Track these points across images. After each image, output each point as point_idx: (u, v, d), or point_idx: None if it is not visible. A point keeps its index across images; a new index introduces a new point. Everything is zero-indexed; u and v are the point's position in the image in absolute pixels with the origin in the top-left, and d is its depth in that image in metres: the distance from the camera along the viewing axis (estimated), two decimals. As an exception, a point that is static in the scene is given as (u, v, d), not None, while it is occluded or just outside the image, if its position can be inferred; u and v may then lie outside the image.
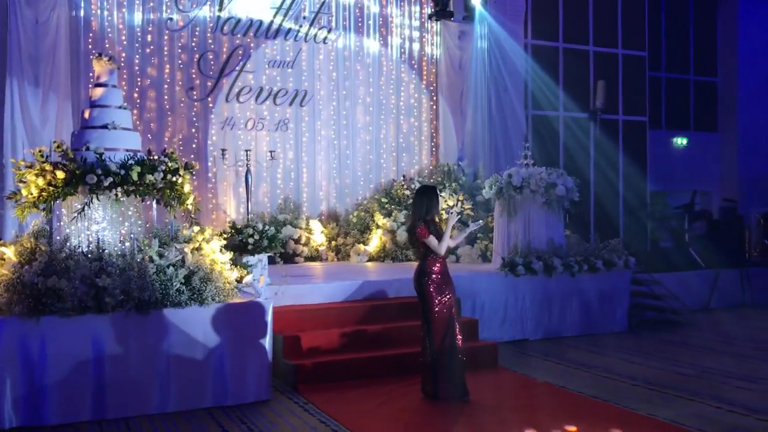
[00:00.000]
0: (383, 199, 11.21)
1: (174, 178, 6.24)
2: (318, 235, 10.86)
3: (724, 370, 7.35)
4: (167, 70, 10.54)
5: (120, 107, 6.49)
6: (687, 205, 13.05)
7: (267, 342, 6.25)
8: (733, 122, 16.32)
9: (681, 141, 16.16)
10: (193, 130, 10.69)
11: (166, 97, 10.52)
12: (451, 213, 6.19)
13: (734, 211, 14.02)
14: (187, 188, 6.44)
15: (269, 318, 6.28)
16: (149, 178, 6.07)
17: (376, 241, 10.78)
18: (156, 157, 6.27)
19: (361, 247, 10.77)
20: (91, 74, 9.56)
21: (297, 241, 10.63)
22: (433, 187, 6.40)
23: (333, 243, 11.06)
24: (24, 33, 9.08)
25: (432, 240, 6.02)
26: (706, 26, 16.46)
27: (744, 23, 16.21)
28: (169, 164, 6.26)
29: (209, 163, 10.70)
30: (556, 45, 13.35)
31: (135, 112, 9.78)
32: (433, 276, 6.07)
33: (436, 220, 6.18)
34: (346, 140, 11.67)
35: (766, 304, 11.60)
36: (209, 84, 10.80)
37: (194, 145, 10.60)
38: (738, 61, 16.24)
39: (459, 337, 6.11)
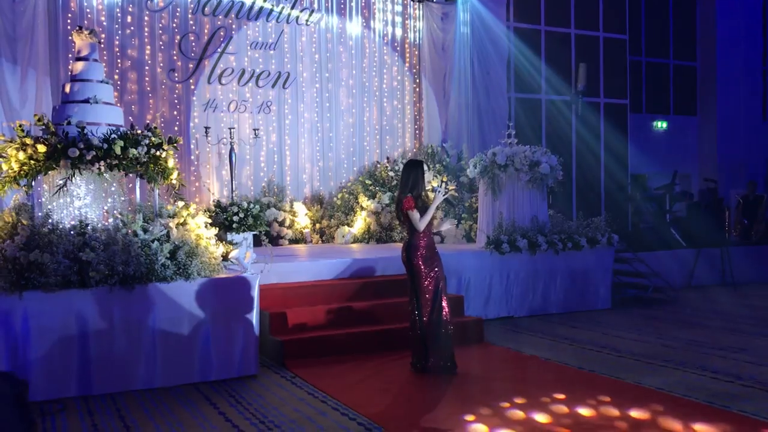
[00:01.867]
0: (367, 181, 11.18)
1: (158, 153, 6.17)
2: (302, 218, 10.81)
3: (707, 342, 7.44)
4: (148, 52, 10.41)
5: (101, 81, 6.41)
6: (668, 185, 13.17)
7: (254, 316, 6.22)
8: (712, 106, 16.48)
9: (661, 124, 16.31)
10: (175, 113, 10.57)
11: (147, 78, 10.39)
12: (439, 192, 6.18)
13: (715, 192, 14.17)
14: (171, 163, 6.37)
15: (255, 292, 6.25)
16: (132, 152, 6.00)
17: (360, 222, 10.76)
18: (139, 132, 6.20)
19: (346, 228, 10.75)
20: (70, 54, 9.43)
21: (281, 224, 10.58)
22: (419, 161, 6.40)
23: (317, 225, 11.02)
24: (1, 11, 8.92)
25: (415, 214, 6.02)
26: (685, 11, 16.59)
27: (722, 8, 16.36)
28: (153, 139, 6.19)
29: (192, 146, 10.60)
30: (538, 28, 13.37)
31: (116, 93, 9.63)
32: (422, 250, 6.08)
33: (423, 195, 6.17)
34: (330, 123, 11.61)
35: (745, 282, 11.76)
36: (191, 66, 10.68)
37: (176, 128, 10.49)
38: (716, 45, 16.39)
39: (446, 310, 6.13)
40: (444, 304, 6.13)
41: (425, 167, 6.23)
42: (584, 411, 5.04)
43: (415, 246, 6.09)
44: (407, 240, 6.21)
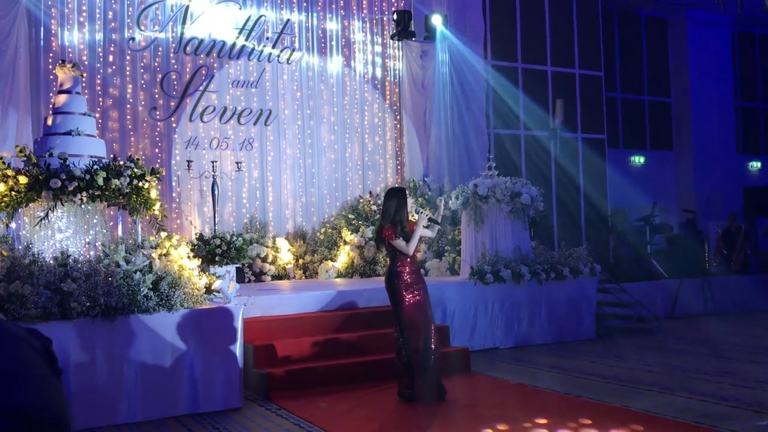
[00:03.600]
0: (350, 216, 11.20)
1: (140, 184, 6.16)
2: (285, 253, 10.76)
3: (692, 367, 7.45)
4: (129, 90, 10.45)
5: (84, 114, 6.42)
6: (647, 216, 13.32)
7: (237, 348, 6.14)
8: (688, 140, 16.79)
9: (639, 159, 16.56)
10: (157, 150, 10.58)
11: (128, 117, 10.41)
12: (421, 213, 6.18)
13: (694, 223, 14.34)
14: (153, 194, 6.35)
15: (239, 324, 6.18)
16: (115, 183, 5.98)
17: (344, 257, 10.74)
18: (122, 163, 6.19)
19: (329, 263, 10.70)
20: (51, 93, 9.43)
21: (264, 260, 10.52)
22: (401, 188, 6.43)
23: (300, 261, 10.97)
24: (-18, 51, 8.96)
25: (399, 242, 6.01)
26: (658, 48, 17.02)
27: (693, 45, 16.80)
28: (135, 170, 6.19)
29: (173, 183, 10.57)
30: (516, 65, 13.64)
31: (97, 131, 9.63)
32: (404, 276, 6.05)
33: (404, 222, 6.16)
34: (312, 159, 11.67)
35: (727, 311, 11.83)
36: (172, 104, 10.72)
37: (158, 165, 10.44)
38: (689, 81, 16.78)
39: (432, 338, 6.09)
40: (431, 332, 6.08)
41: (407, 194, 6.25)
42: (573, 433, 5.01)
43: (397, 273, 6.06)
44: (389, 267, 6.19)
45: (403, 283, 6.02)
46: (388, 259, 10.39)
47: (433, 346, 6.07)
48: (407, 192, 6.46)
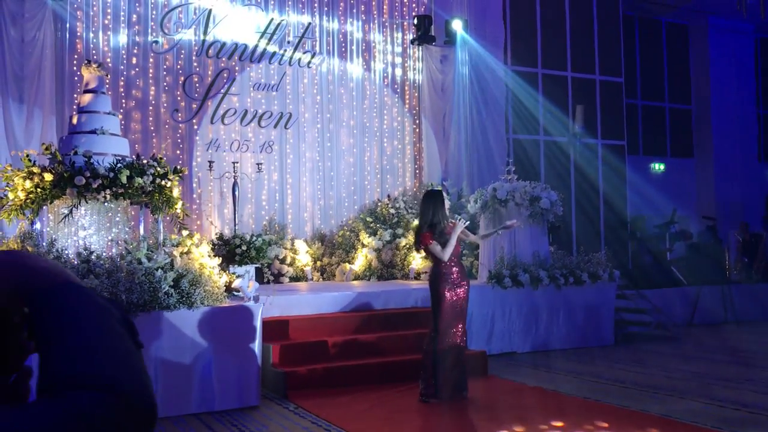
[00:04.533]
0: (368, 219, 11.23)
1: (163, 182, 6.24)
2: (303, 255, 10.81)
3: (712, 374, 7.40)
4: (152, 92, 10.57)
5: (108, 113, 6.51)
6: (667, 223, 13.24)
7: (256, 346, 6.20)
8: (708, 148, 16.66)
9: (659, 166, 16.45)
10: (178, 152, 10.68)
11: (150, 118, 10.53)
12: (459, 221, 6.20)
13: (714, 231, 14.21)
14: (175, 192, 6.43)
15: (258, 322, 6.23)
16: (138, 181, 6.06)
17: (361, 259, 10.77)
18: (145, 162, 6.27)
19: (347, 266, 10.74)
20: (75, 94, 9.58)
21: (282, 261, 10.58)
22: (439, 191, 6.45)
23: (318, 263, 11.01)
24: (9, 51, 9.11)
25: (435, 247, 6.01)
26: (679, 55, 16.91)
27: (715, 52, 16.69)
28: (158, 168, 6.27)
29: (194, 184, 10.67)
30: (535, 71, 13.62)
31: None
32: (448, 276, 6.03)
33: (442, 224, 6.14)
34: (331, 162, 11.72)
35: (748, 319, 11.71)
36: (194, 106, 10.83)
37: (179, 166, 10.55)
38: (710, 88, 16.65)
39: (464, 338, 6.13)
40: (461, 330, 6.12)
41: (444, 196, 6.27)
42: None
43: (440, 273, 6.05)
44: (432, 268, 6.21)
45: (448, 283, 6.02)
46: (406, 263, 10.53)
47: (461, 345, 6.11)
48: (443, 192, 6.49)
